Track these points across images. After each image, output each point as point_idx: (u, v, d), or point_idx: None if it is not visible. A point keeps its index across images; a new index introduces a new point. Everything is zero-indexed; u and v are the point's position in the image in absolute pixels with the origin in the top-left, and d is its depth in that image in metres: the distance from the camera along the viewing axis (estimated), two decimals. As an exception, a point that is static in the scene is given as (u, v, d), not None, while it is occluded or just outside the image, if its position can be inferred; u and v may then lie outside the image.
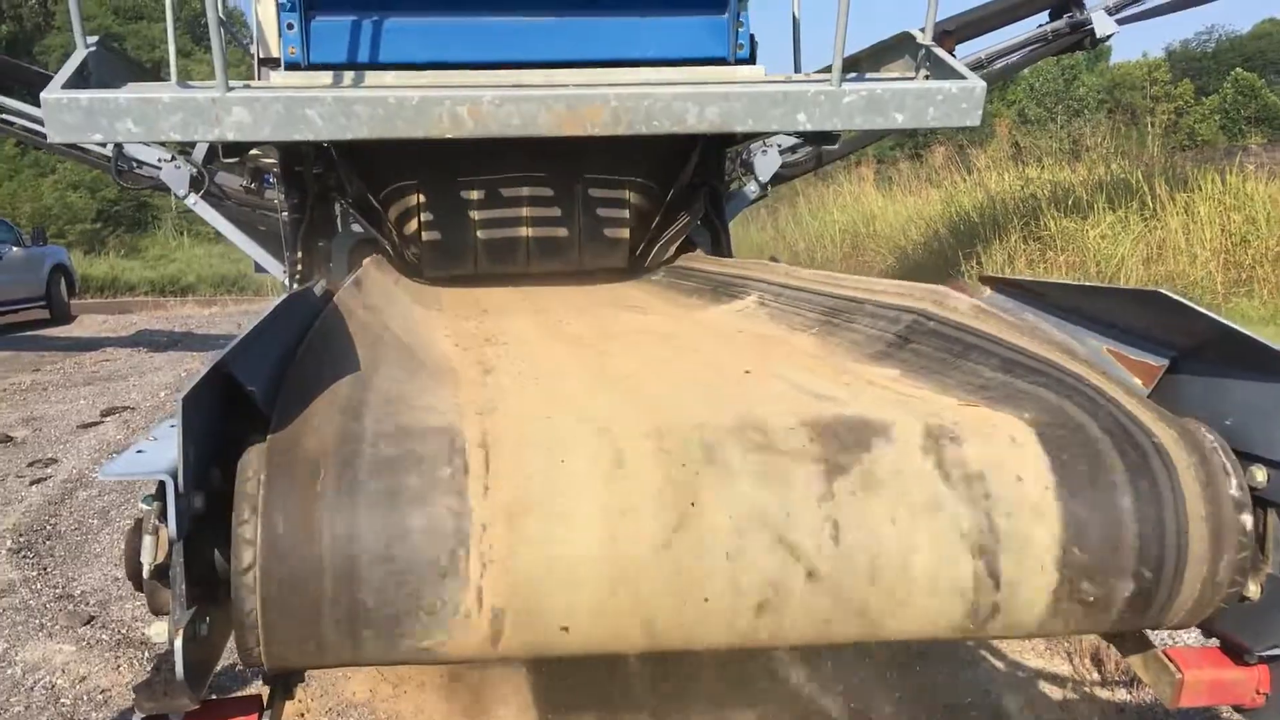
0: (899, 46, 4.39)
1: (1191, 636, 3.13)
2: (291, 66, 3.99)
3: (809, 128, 3.81)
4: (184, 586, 1.31)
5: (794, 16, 5.39)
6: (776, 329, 2.75)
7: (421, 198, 4.33)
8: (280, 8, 4.04)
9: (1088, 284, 1.97)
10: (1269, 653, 1.66)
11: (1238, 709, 1.78)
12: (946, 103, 3.87)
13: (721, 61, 4.28)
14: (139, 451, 1.37)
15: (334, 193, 4.67)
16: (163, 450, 1.35)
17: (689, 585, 1.44)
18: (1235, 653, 1.73)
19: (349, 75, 3.89)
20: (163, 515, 1.30)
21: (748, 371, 2.14)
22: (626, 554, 1.43)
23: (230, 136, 3.39)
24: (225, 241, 9.68)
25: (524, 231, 4.39)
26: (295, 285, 4.58)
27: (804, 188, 17.50)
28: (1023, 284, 2.13)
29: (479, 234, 4.36)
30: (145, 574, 1.33)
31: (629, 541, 1.44)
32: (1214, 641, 1.81)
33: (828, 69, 3.88)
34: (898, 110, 3.84)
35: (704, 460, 1.52)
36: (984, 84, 3.94)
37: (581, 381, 2.03)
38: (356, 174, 4.35)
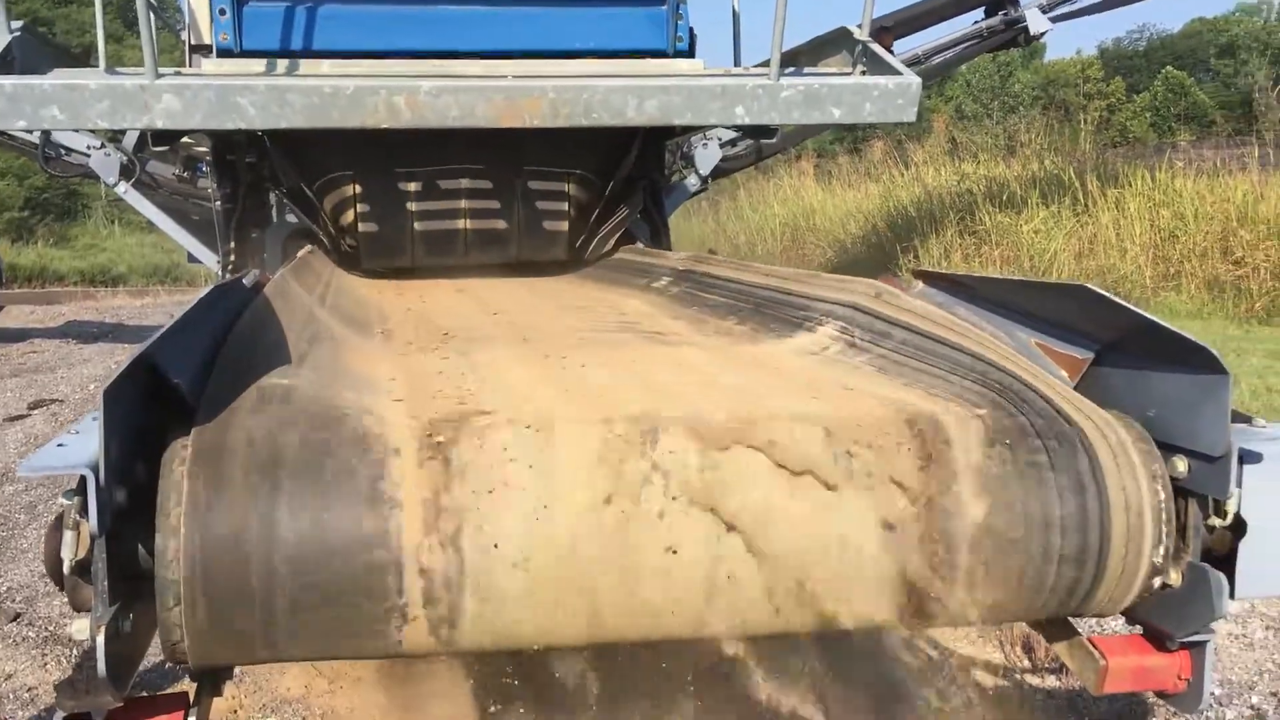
0: (837, 42, 4.42)
1: (1118, 624, 3.20)
2: (224, 53, 3.91)
3: (747, 121, 3.83)
4: (106, 582, 1.29)
5: (734, 10, 5.40)
6: (710, 320, 2.76)
7: (358, 188, 4.27)
8: (213, -6, 3.97)
9: (1017, 278, 2.01)
10: (1190, 639, 1.71)
11: (1160, 694, 1.82)
12: (883, 98, 3.91)
13: (661, 54, 4.28)
14: (60, 445, 1.33)
15: (267, 182, 4.60)
16: (84, 444, 1.32)
17: (633, 574, 1.44)
18: (1157, 639, 1.77)
19: (283, 63, 3.82)
20: (84, 510, 1.27)
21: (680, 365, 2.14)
22: (566, 544, 1.43)
23: (160, 124, 3.32)
24: (157, 231, 9.49)
25: (462, 223, 4.36)
26: (228, 276, 4.51)
27: (744, 181, 17.58)
28: (954, 278, 2.16)
29: (416, 225, 4.32)
30: (66, 570, 1.31)
31: (568, 532, 1.44)
32: (1137, 629, 1.85)
33: (766, 63, 3.90)
34: (835, 105, 3.87)
35: (642, 450, 1.52)
36: (919, 80, 3.98)
37: (519, 372, 2.02)
38: (291, 163, 4.28)
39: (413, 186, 4.29)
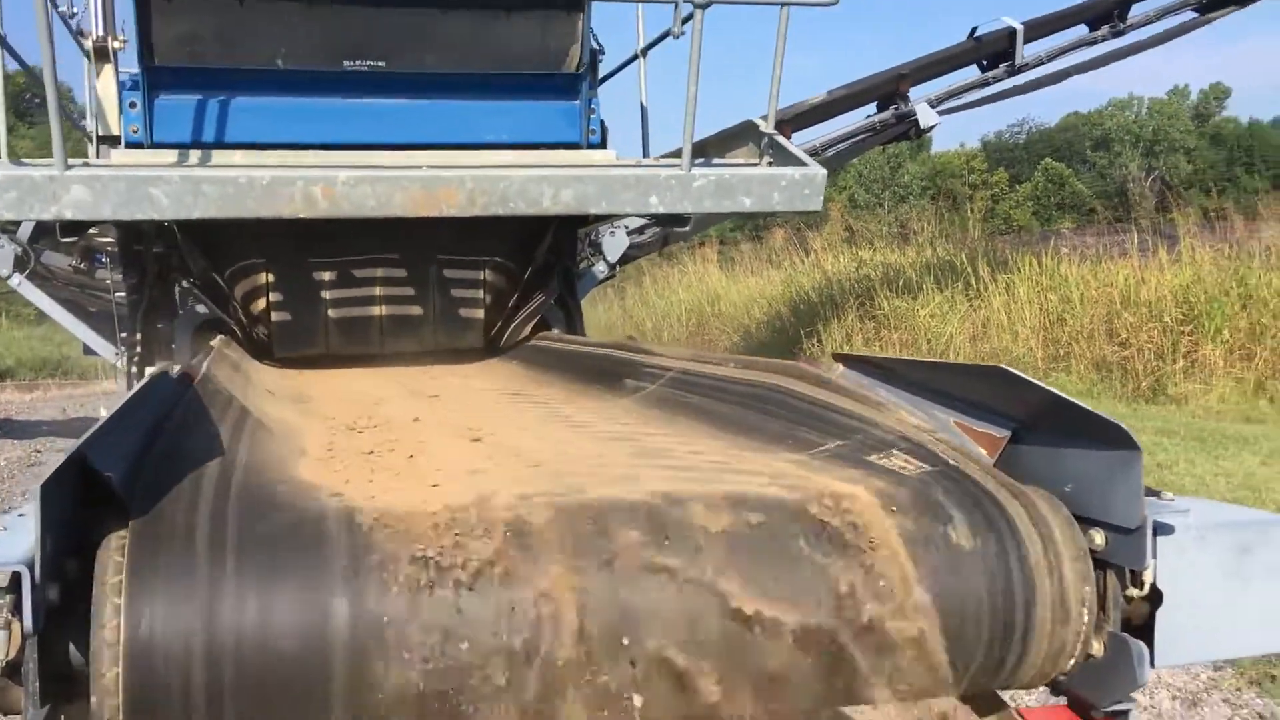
0: (743, 134, 4.57)
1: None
2: (133, 145, 3.89)
3: (661, 210, 3.92)
4: (38, 683, 1.24)
5: (641, 104, 5.56)
6: (632, 404, 2.79)
7: (270, 276, 4.23)
8: (122, 86, 3.95)
9: (935, 361, 2.09)
10: (1114, 708, 1.75)
11: (1085, 763, 1.86)
12: (790, 188, 4.05)
13: (574, 146, 4.37)
14: None
15: (175, 272, 4.53)
16: (14, 541, 1.29)
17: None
18: (1081, 709, 1.81)
19: (195, 154, 3.81)
20: (15, 609, 1.23)
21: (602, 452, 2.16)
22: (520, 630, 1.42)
23: (69, 215, 3.27)
24: (47, 323, 9.24)
25: (377, 310, 4.34)
26: (134, 368, 4.41)
27: (649, 267, 17.83)
28: (873, 360, 2.23)
29: (331, 313, 4.29)
30: None
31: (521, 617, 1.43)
32: (1061, 699, 1.90)
33: (676, 153, 4.01)
34: (745, 195, 3.99)
35: (586, 543, 1.52)
36: (824, 171, 4.14)
37: (450, 453, 2.01)
38: (200, 252, 4.23)
39: (327, 274, 4.27)
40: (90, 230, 5.32)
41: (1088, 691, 1.77)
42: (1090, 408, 1.69)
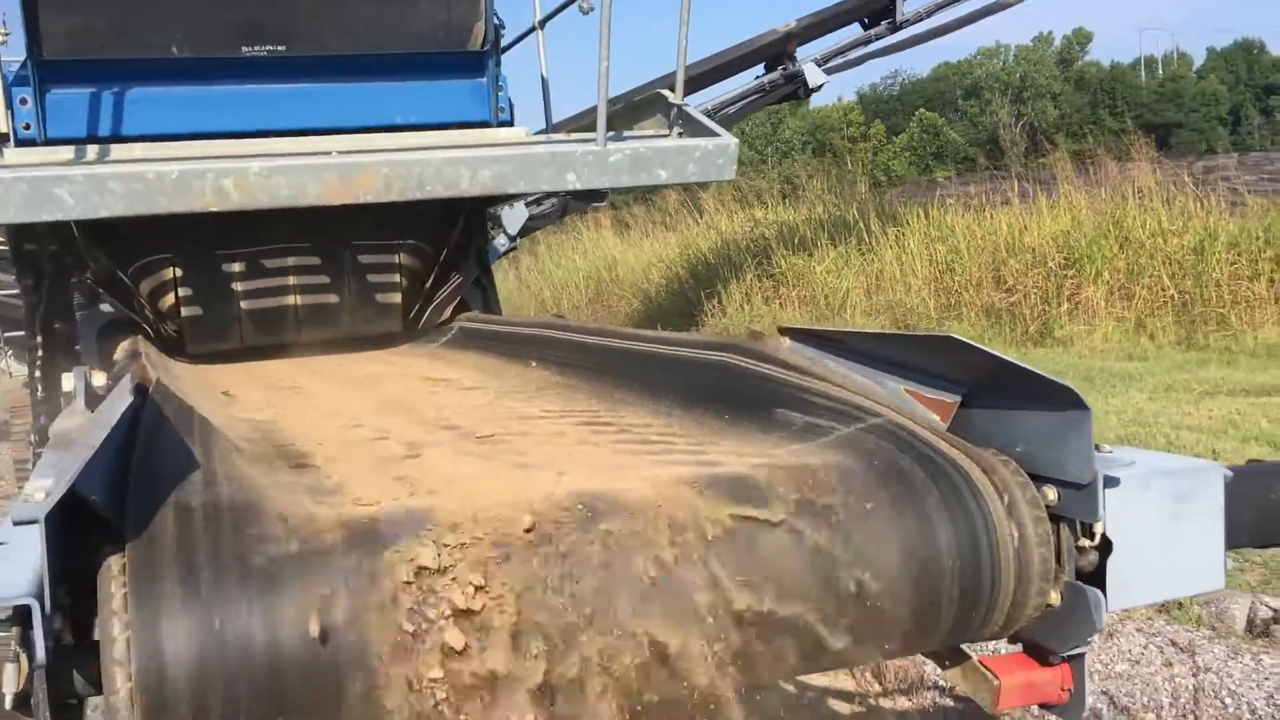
0: (651, 105, 4.59)
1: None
2: (25, 143, 3.73)
3: (578, 186, 3.92)
4: (49, 714, 1.23)
5: (542, 77, 5.53)
6: (577, 384, 2.82)
7: (177, 271, 4.10)
8: (8, 80, 3.78)
9: (881, 331, 2.16)
10: (1071, 652, 1.86)
11: (1044, 706, 1.97)
12: (704, 159, 4.08)
13: (484, 124, 4.34)
14: None
15: (75, 271, 4.37)
16: (12, 572, 1.26)
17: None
18: (1040, 655, 1.92)
19: (93, 150, 3.67)
20: (23, 641, 1.22)
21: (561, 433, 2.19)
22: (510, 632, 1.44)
23: (-32, 220, 3.14)
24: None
25: (292, 300, 4.25)
26: (38, 372, 4.25)
27: (544, 236, 17.74)
28: (820, 333, 2.29)
29: (244, 305, 4.18)
30: (8, 705, 1.24)
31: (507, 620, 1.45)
32: (1018, 646, 2.01)
33: (580, 124, 4.02)
34: (661, 167, 4.01)
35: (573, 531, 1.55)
36: (736, 140, 4.18)
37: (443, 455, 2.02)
38: (101, 250, 4.08)
39: (237, 266, 4.16)
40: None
41: (1047, 638, 1.88)
42: (1035, 369, 1.78)
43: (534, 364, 3.20)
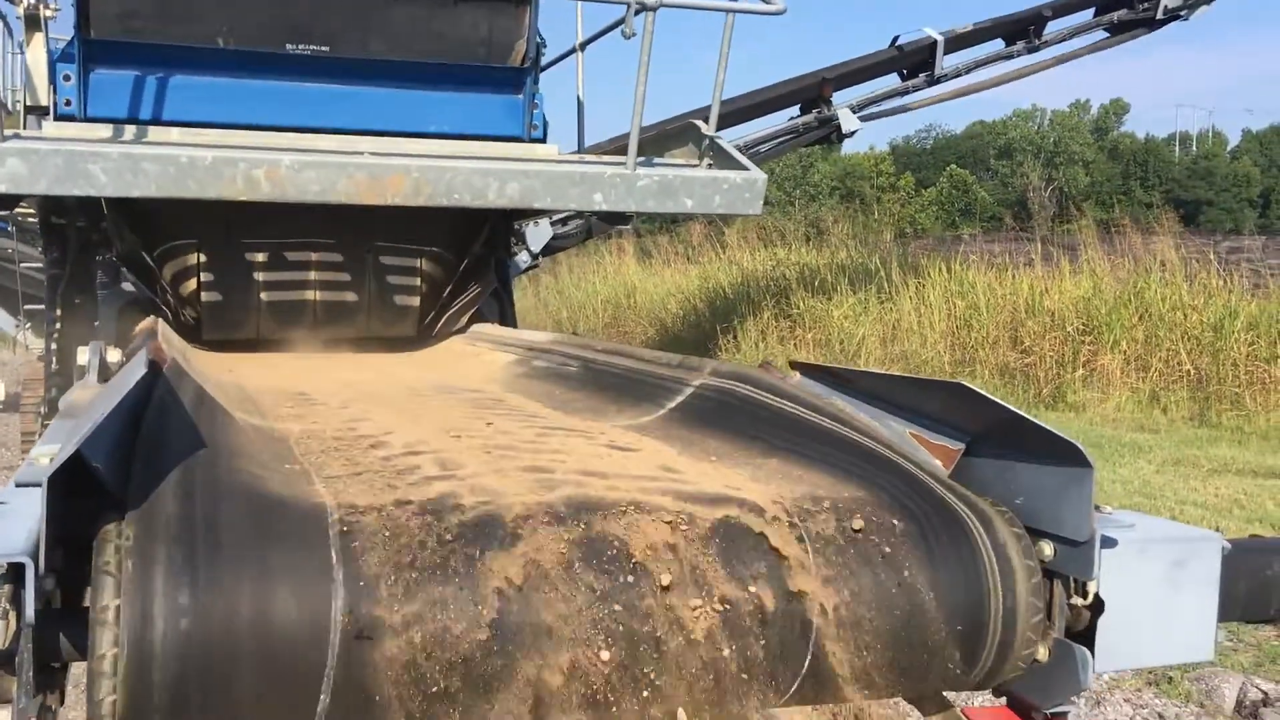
0: (683, 134, 4.62)
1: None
2: (64, 118, 3.78)
3: (604, 208, 3.95)
4: (32, 673, 1.24)
5: (579, 98, 5.58)
6: (589, 402, 2.82)
7: (202, 257, 4.15)
8: (53, 56, 3.83)
9: (893, 374, 2.16)
10: (1055, 710, 1.85)
11: (1024, 762, 1.96)
12: (731, 191, 4.11)
13: (516, 139, 4.38)
14: None
15: (99, 248, 4.41)
16: (10, 529, 1.28)
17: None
18: (1023, 710, 1.91)
19: (130, 130, 3.72)
20: (14, 599, 1.23)
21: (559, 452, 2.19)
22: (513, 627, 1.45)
23: (2, 189, 3.18)
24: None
25: (311, 295, 4.29)
26: (54, 344, 4.28)
27: (565, 257, 17.81)
28: (830, 370, 2.30)
29: (263, 296, 4.22)
30: None
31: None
32: (1002, 700, 2.00)
33: (611, 148, 4.05)
34: (687, 196, 4.04)
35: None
36: (765, 175, 4.21)
37: (407, 434, 2.03)
38: (129, 229, 4.12)
39: (261, 256, 4.20)
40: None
41: (1031, 693, 1.87)
42: (1043, 423, 1.79)
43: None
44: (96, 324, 4.25)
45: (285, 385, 3.15)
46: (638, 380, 2.83)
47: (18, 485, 1.52)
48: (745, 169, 4.17)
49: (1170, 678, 4.22)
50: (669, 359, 2.77)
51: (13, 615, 1.24)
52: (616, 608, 1.52)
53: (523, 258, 9.11)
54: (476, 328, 4.48)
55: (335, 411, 2.53)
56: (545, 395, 3.05)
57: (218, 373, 3.07)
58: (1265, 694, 4.14)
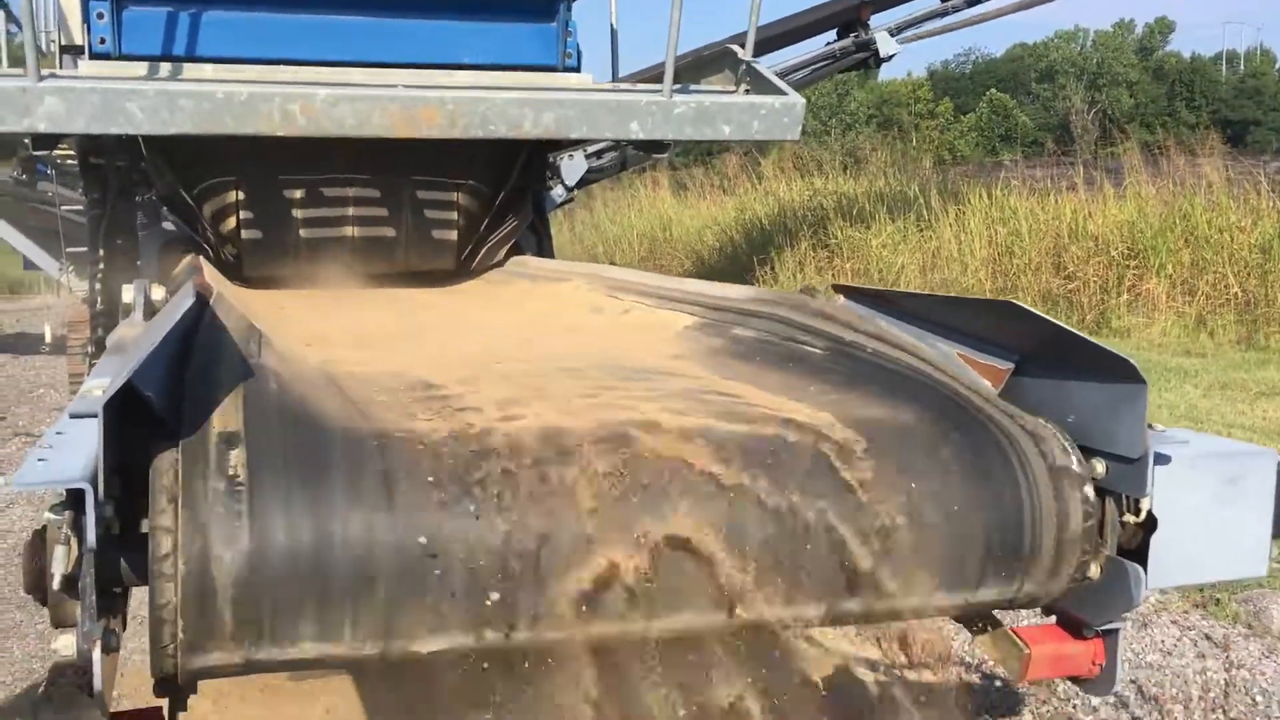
0: (719, 60, 4.54)
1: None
2: (99, 56, 3.77)
3: (641, 136, 3.90)
4: (94, 597, 1.27)
5: (612, 26, 5.48)
6: (640, 330, 2.82)
7: (240, 194, 4.16)
8: (86, -5, 3.81)
9: (937, 295, 2.13)
10: (1106, 627, 1.85)
11: (1074, 680, 1.96)
12: (770, 117, 4.04)
13: (551, 69, 4.32)
14: (40, 461, 1.30)
15: (139, 187, 4.43)
16: (68, 459, 1.30)
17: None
18: (1073, 628, 1.91)
19: (165, 67, 3.71)
20: (74, 525, 1.25)
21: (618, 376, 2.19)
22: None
23: (42, 128, 3.18)
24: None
25: (349, 231, 4.29)
26: (98, 284, 4.32)
27: (600, 191, 17.72)
28: (876, 293, 2.28)
29: (302, 233, 4.23)
30: (56, 586, 1.28)
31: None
32: (1051, 618, 1.99)
33: (648, 76, 3.99)
34: (725, 122, 3.98)
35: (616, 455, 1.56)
36: (803, 100, 4.13)
37: (463, 371, 2.03)
38: (168, 168, 4.13)
39: (298, 193, 4.20)
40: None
41: (1082, 611, 1.87)
42: (1097, 340, 1.76)
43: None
44: (139, 263, 4.28)
45: (330, 326, 3.17)
46: (693, 309, 2.81)
47: (72, 417, 1.54)
48: (784, 94, 4.10)
49: (1218, 600, 4.20)
50: (708, 287, 2.75)
51: (74, 541, 1.27)
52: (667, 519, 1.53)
53: (558, 192, 9.05)
54: (514, 261, 4.48)
55: (385, 347, 2.54)
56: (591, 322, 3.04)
57: (266, 310, 3.09)
58: (1314, 615, 4.12)
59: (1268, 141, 46.45)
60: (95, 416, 1.28)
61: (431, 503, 1.43)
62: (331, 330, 2.88)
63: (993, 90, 54.72)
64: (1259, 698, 3.61)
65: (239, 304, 2.32)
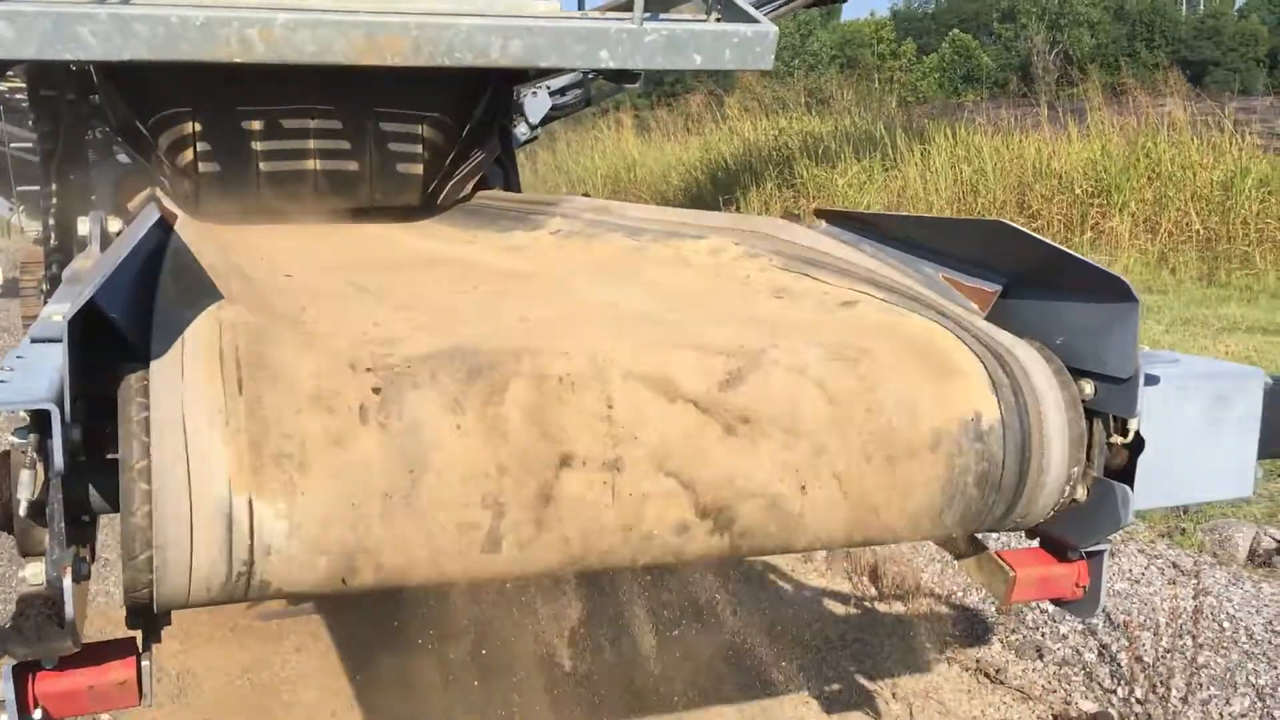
0: (689, -12, 4.44)
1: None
2: (46, -22, 3.61)
3: (611, 65, 3.81)
4: (64, 524, 1.21)
5: (577, -48, 5.35)
6: (624, 259, 2.76)
7: (197, 126, 4.03)
8: (32, -88, 3.64)
9: (923, 216, 2.09)
10: (1091, 549, 1.84)
11: (1057, 602, 1.96)
12: (742, 46, 3.96)
13: (518, -5, 4.21)
14: (2, 382, 1.23)
15: (92, 120, 4.28)
16: (31, 380, 1.23)
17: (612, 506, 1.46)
18: (1058, 550, 1.90)
19: (114, -10, 3.56)
20: (40, 448, 1.19)
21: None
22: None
23: (-10, 54, 3.05)
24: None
25: (311, 164, 4.18)
26: (51, 220, 4.19)
27: (564, 131, 17.51)
28: (858, 216, 2.23)
29: (262, 165, 4.11)
30: (22, 511, 1.22)
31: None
32: (1034, 542, 1.98)
33: (616, 5, 3.89)
34: (696, 51, 3.89)
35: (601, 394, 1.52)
36: (776, 29, 4.05)
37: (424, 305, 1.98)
38: (122, 99, 3.99)
39: (257, 124, 4.08)
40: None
41: (1068, 533, 1.85)
42: (1090, 259, 1.73)
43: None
44: (93, 198, 4.15)
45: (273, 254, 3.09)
46: (670, 231, 2.76)
47: (34, 341, 1.47)
48: (756, 21, 4.02)
49: (1183, 529, 4.25)
50: (686, 212, 2.70)
51: (40, 465, 1.21)
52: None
53: (521, 130, 8.91)
54: (481, 194, 4.39)
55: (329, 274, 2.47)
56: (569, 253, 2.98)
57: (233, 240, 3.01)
58: (1278, 542, 4.18)
59: (1227, 82, 46.68)
60: (58, 340, 1.22)
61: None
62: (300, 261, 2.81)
63: (955, 30, 54.49)
64: (1226, 623, 3.67)
65: (204, 234, 2.25)
